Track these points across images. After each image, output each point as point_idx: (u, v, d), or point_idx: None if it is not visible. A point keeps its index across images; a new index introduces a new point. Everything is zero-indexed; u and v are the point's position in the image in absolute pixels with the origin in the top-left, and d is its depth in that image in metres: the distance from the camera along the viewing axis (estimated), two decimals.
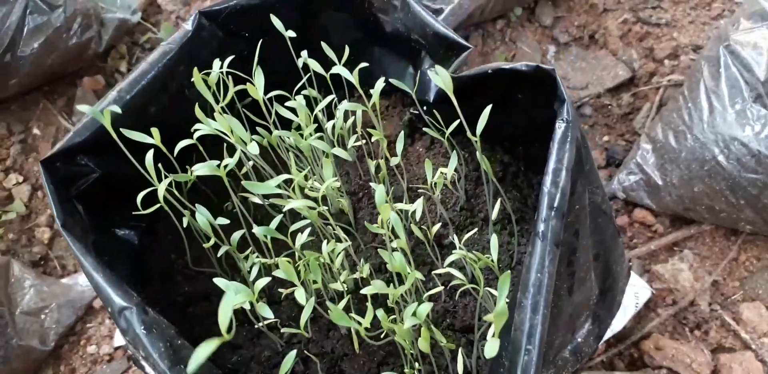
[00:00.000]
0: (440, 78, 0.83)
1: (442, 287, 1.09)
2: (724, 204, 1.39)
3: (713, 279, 1.45)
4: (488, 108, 0.90)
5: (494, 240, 0.92)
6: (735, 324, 1.38)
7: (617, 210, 1.56)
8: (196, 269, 1.15)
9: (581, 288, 1.05)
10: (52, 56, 1.66)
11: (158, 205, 0.91)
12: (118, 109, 0.83)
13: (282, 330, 0.91)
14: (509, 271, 0.79)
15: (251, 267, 1.06)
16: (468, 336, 1.12)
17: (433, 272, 1.11)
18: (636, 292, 1.39)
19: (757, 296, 1.44)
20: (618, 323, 1.36)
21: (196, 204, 0.96)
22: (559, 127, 0.87)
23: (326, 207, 1.24)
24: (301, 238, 1.02)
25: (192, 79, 0.92)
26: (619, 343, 1.37)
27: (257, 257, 1.10)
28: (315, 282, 0.93)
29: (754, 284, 1.45)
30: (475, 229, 1.14)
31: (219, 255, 1.02)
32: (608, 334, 1.36)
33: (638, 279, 1.41)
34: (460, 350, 1.01)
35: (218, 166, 0.92)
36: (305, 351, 1.08)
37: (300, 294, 0.86)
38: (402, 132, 1.06)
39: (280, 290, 1.14)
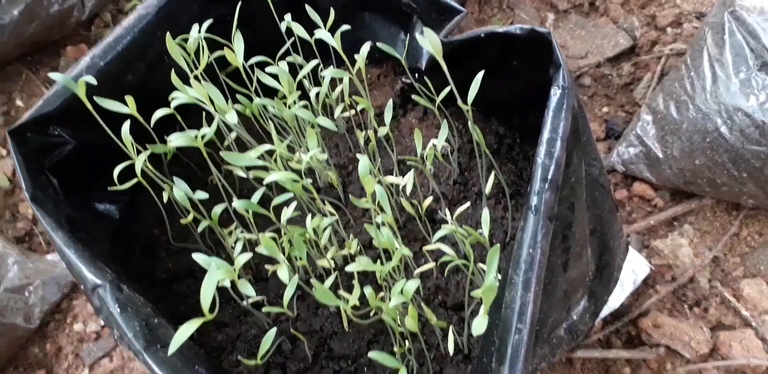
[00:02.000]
0: (428, 41, 0.78)
1: (434, 263, 1.06)
2: (726, 177, 1.35)
3: (713, 254, 1.41)
4: (480, 74, 0.85)
5: (486, 214, 0.88)
6: (735, 301, 1.35)
7: (616, 183, 1.52)
8: (178, 245, 1.11)
9: (576, 264, 1.01)
10: (33, 24, 1.60)
11: (136, 180, 0.86)
12: (92, 80, 0.78)
13: (263, 310, 0.87)
14: (498, 245, 0.75)
15: (235, 243, 1.03)
16: (460, 313, 1.08)
17: (423, 248, 1.07)
18: (634, 268, 1.35)
19: (758, 272, 1.40)
20: (615, 300, 1.32)
21: (175, 178, 0.92)
22: (555, 93, 0.83)
23: (313, 181, 1.20)
24: (287, 213, 0.98)
25: None
26: (617, 321, 1.33)
27: (241, 232, 1.06)
28: (300, 258, 0.89)
29: (756, 260, 1.42)
30: (468, 204, 1.10)
31: (200, 230, 0.98)
32: (605, 311, 1.33)
33: (636, 255, 1.38)
34: (451, 328, 0.98)
35: (196, 136, 0.88)
36: (292, 330, 1.05)
37: (283, 273, 0.82)
38: (390, 101, 1.01)
39: (266, 267, 1.11)
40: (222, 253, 1.14)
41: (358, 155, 0.90)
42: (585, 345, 1.31)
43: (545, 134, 0.81)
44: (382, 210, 0.84)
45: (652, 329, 1.31)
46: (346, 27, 0.98)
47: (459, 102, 0.86)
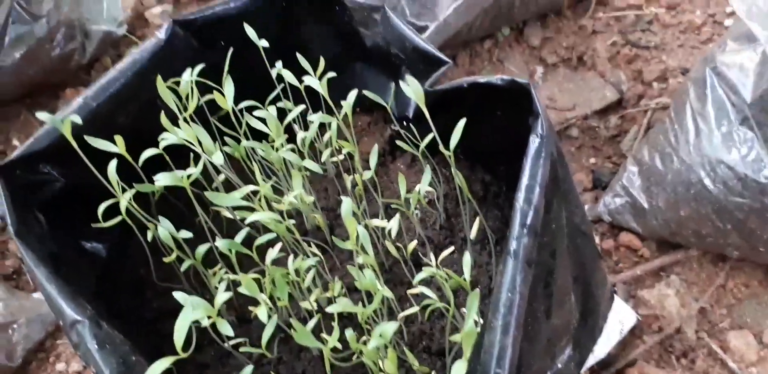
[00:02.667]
0: (411, 89, 0.80)
1: (418, 307, 1.06)
2: (711, 228, 1.36)
3: (700, 305, 1.41)
4: (461, 123, 0.88)
5: (467, 258, 0.89)
6: (722, 353, 1.34)
7: (603, 233, 1.53)
8: (164, 285, 1.11)
9: (560, 311, 1.01)
10: (34, 67, 1.64)
11: (120, 219, 0.88)
12: (78, 119, 0.80)
13: (242, 350, 0.87)
14: (477, 290, 0.76)
15: (219, 283, 1.03)
16: (443, 359, 1.08)
17: (408, 292, 1.08)
18: (620, 318, 1.35)
19: (744, 324, 1.40)
20: (602, 349, 1.32)
21: (160, 217, 0.93)
22: (533, 141, 0.85)
23: (299, 222, 1.21)
24: (272, 254, 0.99)
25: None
26: (603, 371, 1.33)
27: (225, 273, 1.06)
28: (281, 299, 0.89)
29: (742, 312, 1.42)
30: (452, 248, 1.11)
31: (183, 269, 0.99)
32: (591, 361, 1.32)
33: (623, 305, 1.38)
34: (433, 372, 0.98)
35: (183, 176, 0.90)
36: (273, 373, 1.04)
37: (262, 312, 0.83)
38: (375, 145, 1.03)
39: (250, 308, 1.11)
40: (206, 294, 1.13)
41: (343, 197, 0.91)
42: None
43: (524, 181, 0.83)
44: (365, 252, 0.85)
45: None
46: (332, 74, 1.01)
47: (441, 148, 0.88)
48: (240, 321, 1.14)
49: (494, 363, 0.77)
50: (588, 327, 1.14)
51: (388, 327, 0.79)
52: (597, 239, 1.51)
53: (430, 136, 0.93)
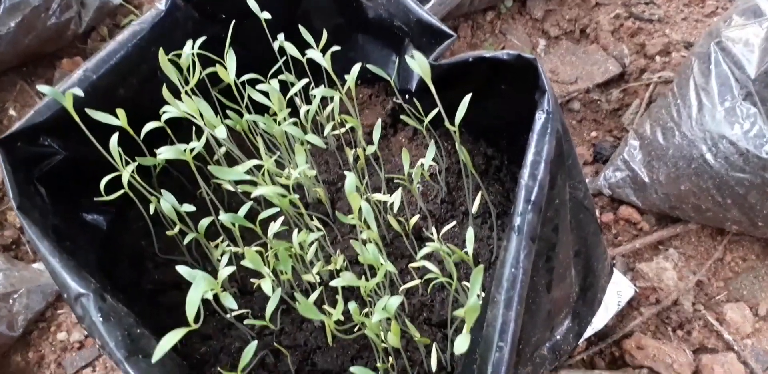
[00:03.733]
0: (417, 63, 0.79)
1: (419, 280, 1.06)
2: (711, 203, 1.37)
3: (698, 278, 1.42)
4: (467, 97, 0.87)
5: (470, 232, 0.89)
6: (718, 325, 1.36)
7: (603, 207, 1.54)
8: (165, 257, 1.12)
9: (560, 285, 1.02)
10: (29, 36, 1.62)
11: (122, 191, 0.87)
12: (80, 92, 0.79)
13: (246, 322, 0.88)
14: (482, 265, 0.76)
15: (221, 256, 1.03)
16: (444, 330, 1.09)
17: (409, 265, 1.08)
18: (619, 290, 1.37)
19: (741, 297, 1.41)
20: (599, 321, 1.33)
21: (162, 190, 0.92)
22: (539, 118, 0.84)
23: (300, 196, 1.21)
24: (274, 227, 0.99)
25: None
26: (600, 342, 1.34)
27: (228, 246, 1.06)
28: (285, 272, 0.90)
29: (739, 285, 1.43)
30: (454, 222, 1.11)
31: (186, 242, 0.99)
32: (589, 332, 1.33)
33: (622, 278, 1.39)
34: (434, 345, 0.99)
35: (185, 150, 0.89)
36: (276, 344, 1.05)
37: (267, 285, 0.83)
38: (379, 120, 1.02)
39: (252, 280, 1.11)
40: (208, 266, 1.14)
41: (346, 172, 0.91)
42: (569, 365, 1.32)
43: (529, 157, 0.83)
44: (368, 226, 0.85)
45: (635, 350, 1.32)
46: (336, 47, 1.00)
47: (446, 123, 0.87)
48: (242, 293, 1.14)
49: (497, 336, 0.77)
50: (587, 300, 1.14)
51: (392, 301, 0.79)
52: (597, 212, 1.51)
53: (435, 111, 0.92)
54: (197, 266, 1.14)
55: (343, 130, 1.22)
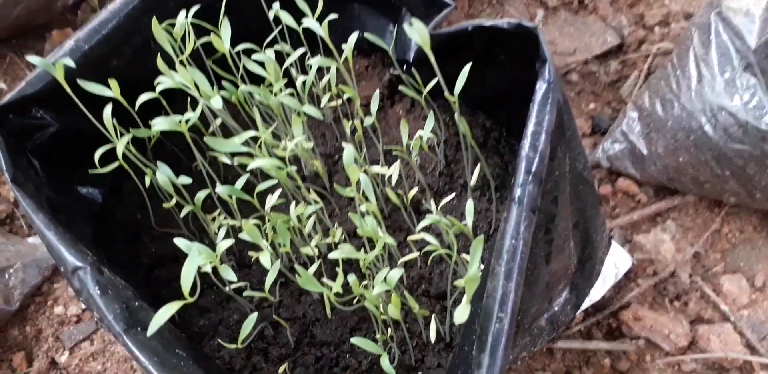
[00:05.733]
0: (416, 31, 0.78)
1: (418, 253, 1.06)
2: (709, 175, 1.36)
3: (695, 250, 1.43)
4: (467, 67, 0.85)
5: (470, 205, 0.89)
6: (715, 296, 1.37)
7: (601, 179, 1.53)
8: (161, 230, 1.11)
9: (559, 257, 1.02)
10: (18, 8, 1.58)
11: (117, 164, 0.86)
12: (71, 63, 0.77)
13: (245, 294, 0.87)
14: (482, 236, 0.75)
15: (218, 229, 1.03)
16: (443, 302, 1.09)
17: (408, 238, 1.08)
18: (616, 262, 1.37)
19: (738, 268, 1.42)
20: (597, 292, 1.34)
21: (158, 162, 0.91)
22: (540, 87, 0.83)
23: (299, 170, 1.20)
24: (272, 200, 0.98)
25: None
26: (598, 313, 1.35)
27: (225, 218, 1.06)
28: (283, 245, 0.89)
29: (736, 256, 1.43)
30: (453, 195, 1.10)
31: (183, 215, 0.98)
32: (586, 303, 1.34)
33: (619, 249, 1.39)
34: (433, 316, 0.99)
35: (180, 121, 0.88)
36: (275, 316, 1.05)
37: (265, 258, 0.82)
38: (377, 91, 1.01)
39: (250, 253, 1.11)
40: (205, 239, 1.13)
41: (344, 144, 0.90)
42: (566, 336, 1.32)
43: (530, 127, 0.82)
44: (366, 199, 0.84)
45: (632, 321, 1.33)
46: (333, 16, 0.98)
47: (446, 94, 0.86)
48: (240, 266, 1.14)
49: (497, 307, 0.77)
50: (586, 271, 1.14)
51: (393, 274, 0.79)
52: (594, 179, 1.51)
53: (434, 81, 0.90)
54: (194, 239, 1.13)
55: (340, 101, 1.20)
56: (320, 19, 1.02)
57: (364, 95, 1.30)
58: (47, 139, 0.97)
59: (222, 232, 1.01)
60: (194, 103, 0.97)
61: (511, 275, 0.78)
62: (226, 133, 1.10)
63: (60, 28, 1.73)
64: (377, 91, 1.01)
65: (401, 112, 1.29)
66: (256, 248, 1.10)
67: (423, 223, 0.88)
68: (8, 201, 1.50)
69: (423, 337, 1.05)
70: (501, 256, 0.79)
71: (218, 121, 1.05)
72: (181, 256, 1.13)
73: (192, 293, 0.73)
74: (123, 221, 1.12)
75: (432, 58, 0.84)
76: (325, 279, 1.04)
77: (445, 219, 0.87)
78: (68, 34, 1.73)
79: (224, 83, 1.00)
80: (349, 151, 0.79)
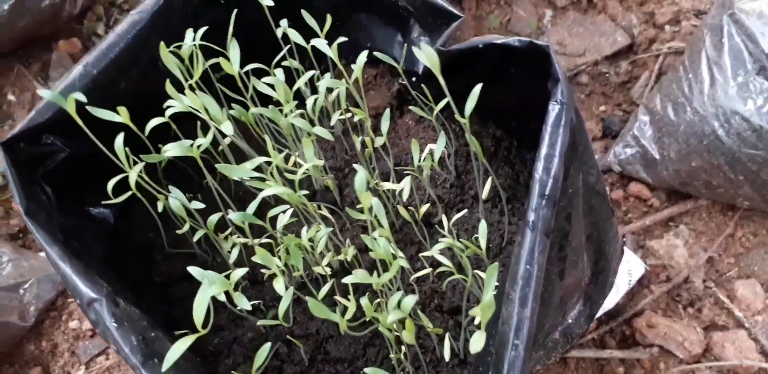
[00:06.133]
0: (425, 55, 0.77)
1: (430, 269, 1.06)
2: (722, 179, 1.35)
3: (708, 255, 1.42)
4: (478, 87, 0.84)
5: (483, 226, 0.88)
6: (729, 302, 1.36)
7: (612, 183, 1.52)
8: (173, 251, 1.11)
9: (573, 271, 1.01)
10: (24, 19, 1.58)
11: (130, 193, 0.86)
12: (82, 97, 0.77)
13: (259, 323, 0.87)
14: (497, 263, 0.75)
15: (231, 249, 1.02)
16: (456, 317, 1.09)
17: (420, 254, 1.07)
18: (629, 269, 1.36)
19: (752, 273, 1.41)
20: (610, 300, 1.33)
21: (170, 187, 0.91)
22: (553, 109, 0.82)
23: (308, 184, 1.19)
24: (283, 219, 0.97)
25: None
26: (611, 321, 1.34)
27: (237, 237, 1.05)
28: (296, 269, 0.89)
29: (750, 261, 1.42)
30: (464, 211, 1.09)
31: (195, 239, 0.98)
32: (600, 311, 1.33)
33: (632, 256, 1.38)
34: (447, 335, 0.99)
35: (191, 145, 0.87)
36: (288, 336, 1.05)
37: (279, 285, 0.82)
38: (387, 110, 1.00)
39: (263, 270, 1.11)
40: (218, 257, 1.13)
41: (356, 158, 0.90)
42: (579, 344, 1.32)
43: (543, 150, 0.81)
44: (379, 224, 0.83)
45: (646, 329, 1.32)
46: (342, 39, 0.97)
47: (456, 116, 0.85)
48: (252, 283, 1.14)
49: (512, 334, 0.77)
50: (599, 283, 1.14)
51: (407, 300, 0.78)
52: (607, 190, 1.50)
53: (444, 101, 0.90)
54: (206, 257, 1.14)
55: (349, 114, 1.20)
56: (329, 35, 1.01)
57: (373, 106, 1.29)
58: (58, 163, 0.96)
59: (235, 252, 1.01)
60: (204, 125, 0.97)
61: (526, 301, 0.78)
62: (236, 151, 1.10)
63: (66, 38, 1.73)
64: (387, 110, 1.00)
65: (411, 123, 1.28)
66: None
67: (437, 247, 0.88)
68: (20, 215, 1.50)
69: (437, 353, 1.05)
70: (516, 282, 0.78)
71: (227, 140, 1.04)
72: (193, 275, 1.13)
73: (205, 324, 0.73)
74: (135, 240, 1.12)
75: (441, 81, 0.83)
76: (338, 297, 1.04)
77: (458, 243, 0.86)
78: (74, 44, 1.73)
79: (233, 105, 1.00)
80: (360, 176, 0.79)
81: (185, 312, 1.11)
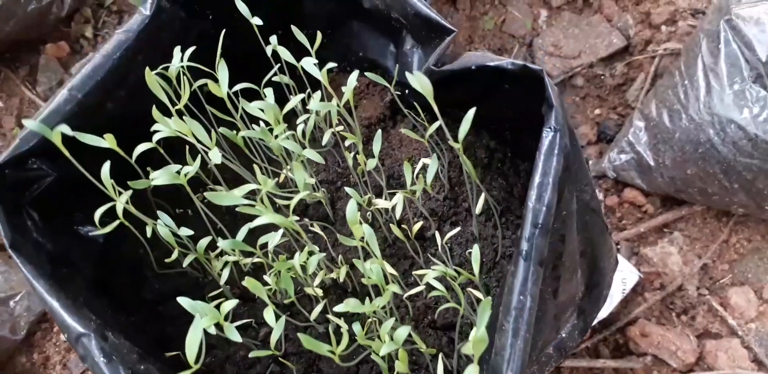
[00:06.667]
0: (419, 84, 0.75)
1: (423, 286, 1.05)
2: (717, 187, 1.34)
3: (703, 262, 1.41)
4: (471, 112, 0.83)
5: (476, 251, 0.87)
6: (722, 310, 1.36)
7: (607, 189, 1.51)
8: (163, 271, 1.10)
9: (566, 288, 1.01)
10: (10, 23, 1.55)
11: (117, 222, 0.84)
12: (68, 130, 0.75)
13: (251, 355, 0.86)
14: (489, 298, 0.74)
15: (222, 269, 1.01)
16: (449, 333, 1.08)
17: (413, 273, 1.07)
18: (623, 277, 1.36)
19: (746, 280, 1.41)
20: (604, 309, 1.33)
21: (159, 212, 0.90)
22: (546, 136, 0.81)
23: (301, 201, 1.18)
24: (274, 241, 0.96)
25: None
26: (605, 329, 1.34)
27: (228, 256, 1.04)
28: (289, 296, 0.88)
29: (744, 267, 1.42)
30: (458, 228, 1.09)
31: (186, 264, 0.97)
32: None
33: (626, 264, 1.38)
34: (440, 355, 0.98)
35: (179, 171, 0.86)
36: (280, 358, 1.04)
37: (270, 315, 0.81)
38: (379, 132, 0.98)
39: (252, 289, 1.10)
40: (209, 275, 1.12)
41: (348, 189, 0.89)
42: (573, 354, 1.32)
43: (536, 178, 0.80)
44: (372, 252, 0.82)
45: (639, 338, 1.32)
46: (332, 64, 0.95)
47: (450, 141, 0.84)
48: (244, 300, 1.13)
49: (505, 365, 0.77)
50: (593, 297, 1.13)
51: (401, 332, 0.78)
52: (601, 196, 1.49)
53: (436, 124, 0.88)
54: (198, 274, 1.13)
55: (340, 127, 1.18)
56: (319, 51, 0.99)
57: (365, 116, 1.28)
58: (45, 188, 0.95)
59: (226, 273, 1.00)
60: (193, 148, 0.95)
61: (518, 332, 0.77)
62: (226, 170, 1.08)
63: (54, 41, 1.70)
64: (379, 132, 0.98)
65: (403, 133, 1.27)
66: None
67: (430, 275, 0.87)
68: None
69: (429, 370, 1.05)
70: (509, 313, 0.78)
71: (213, 162, 1.03)
72: (184, 292, 1.12)
73: (197, 360, 0.72)
74: (125, 259, 1.11)
75: (435, 108, 0.81)
76: (330, 316, 1.03)
77: (451, 270, 0.86)
78: (62, 47, 1.70)
79: (222, 128, 0.98)
80: (352, 207, 0.78)
81: (177, 330, 1.10)
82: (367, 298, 0.87)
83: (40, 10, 1.59)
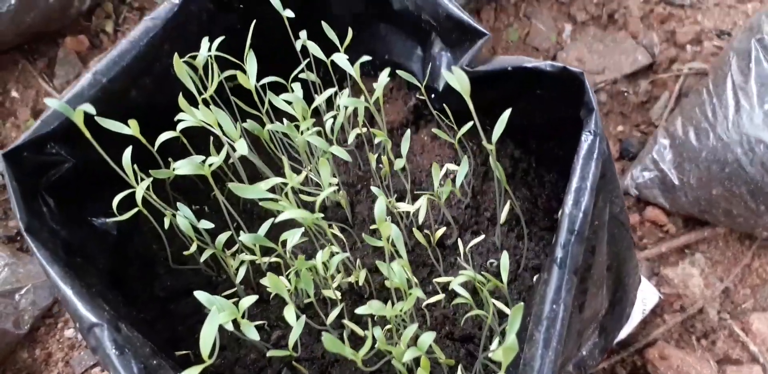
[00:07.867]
0: (458, 81, 0.73)
1: (443, 295, 1.02)
2: (743, 208, 1.31)
3: (724, 286, 1.38)
4: (506, 113, 0.80)
5: (504, 258, 0.84)
6: (744, 335, 1.32)
7: (629, 207, 1.48)
8: (177, 267, 1.07)
9: (592, 304, 0.97)
10: (31, 14, 1.53)
11: (136, 210, 0.81)
12: (91, 109, 0.73)
13: (268, 354, 0.83)
14: (521, 303, 0.71)
15: (238, 268, 0.98)
16: (467, 345, 1.05)
17: (434, 280, 1.03)
18: (643, 297, 1.32)
19: None
20: (623, 329, 1.29)
21: (178, 204, 0.87)
22: (586, 139, 0.78)
23: (320, 203, 1.15)
24: (293, 240, 0.93)
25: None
26: (623, 350, 1.30)
27: (245, 255, 1.01)
28: (308, 296, 0.85)
29: (766, 293, 1.39)
30: (482, 236, 1.06)
31: (203, 259, 0.94)
32: None
33: (646, 283, 1.34)
34: (459, 366, 0.95)
35: (203, 162, 0.83)
36: (294, 362, 1.01)
37: (290, 314, 0.78)
38: (408, 131, 0.96)
39: (269, 288, 1.07)
40: (223, 274, 1.09)
41: (369, 173, 0.86)
42: None
43: (574, 182, 0.77)
44: (397, 253, 0.79)
45: (658, 360, 1.28)
46: (366, 58, 0.93)
47: (483, 142, 0.81)
48: (258, 301, 1.09)
49: None
50: (616, 314, 1.10)
51: (425, 338, 0.74)
52: (628, 217, 1.46)
53: (469, 124, 0.86)
54: (211, 273, 1.09)
55: (364, 129, 1.15)
56: (349, 49, 0.97)
57: (388, 120, 1.25)
58: (62, 174, 0.92)
59: (242, 271, 0.97)
60: (217, 140, 0.93)
61: (549, 343, 0.74)
62: (247, 164, 1.05)
63: (74, 34, 1.68)
64: (408, 132, 0.96)
65: (426, 139, 1.24)
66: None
67: (457, 281, 0.84)
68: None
69: None
70: (540, 322, 0.75)
71: (238, 153, 1.00)
72: (197, 289, 1.08)
73: (211, 355, 0.69)
74: (139, 253, 1.08)
75: (471, 106, 0.79)
76: (346, 321, 1.00)
77: (479, 276, 0.82)
78: (82, 41, 1.68)
79: (248, 121, 0.96)
80: (380, 205, 0.75)
81: (188, 329, 1.07)
82: (388, 303, 0.84)
83: (61, 2, 1.58)
